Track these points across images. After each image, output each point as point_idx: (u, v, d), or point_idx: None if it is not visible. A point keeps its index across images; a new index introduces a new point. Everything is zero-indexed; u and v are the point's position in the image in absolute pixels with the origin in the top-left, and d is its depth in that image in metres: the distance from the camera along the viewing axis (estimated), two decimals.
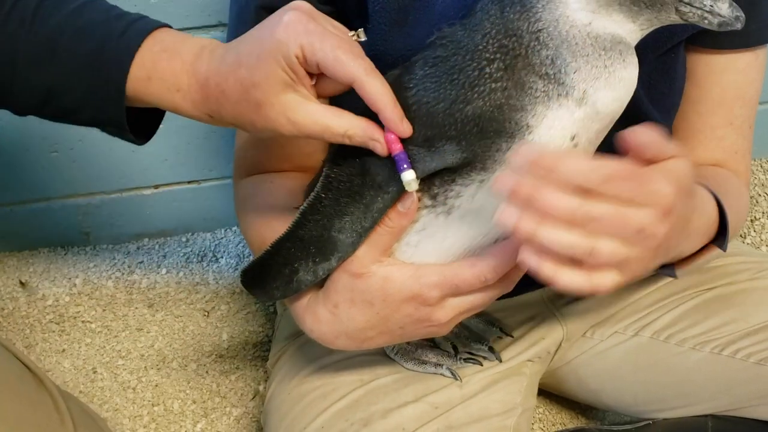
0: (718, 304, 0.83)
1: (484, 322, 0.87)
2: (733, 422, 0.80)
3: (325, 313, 0.66)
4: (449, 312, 0.63)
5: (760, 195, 1.35)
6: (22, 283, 1.17)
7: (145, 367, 1.08)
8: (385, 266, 0.62)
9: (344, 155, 0.62)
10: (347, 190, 0.62)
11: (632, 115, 0.61)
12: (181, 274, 1.21)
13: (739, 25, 0.56)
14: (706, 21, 0.55)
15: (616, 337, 0.88)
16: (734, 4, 0.55)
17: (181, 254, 1.23)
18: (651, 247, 0.51)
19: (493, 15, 0.56)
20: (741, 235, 1.28)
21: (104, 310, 1.15)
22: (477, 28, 0.57)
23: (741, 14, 0.56)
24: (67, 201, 1.17)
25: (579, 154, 0.55)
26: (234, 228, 1.27)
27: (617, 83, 0.54)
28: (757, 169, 1.39)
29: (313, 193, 0.64)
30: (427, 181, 0.58)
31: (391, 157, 0.57)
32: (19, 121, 1.03)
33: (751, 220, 1.30)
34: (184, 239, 1.26)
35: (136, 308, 1.16)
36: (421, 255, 0.62)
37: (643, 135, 0.50)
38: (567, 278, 0.49)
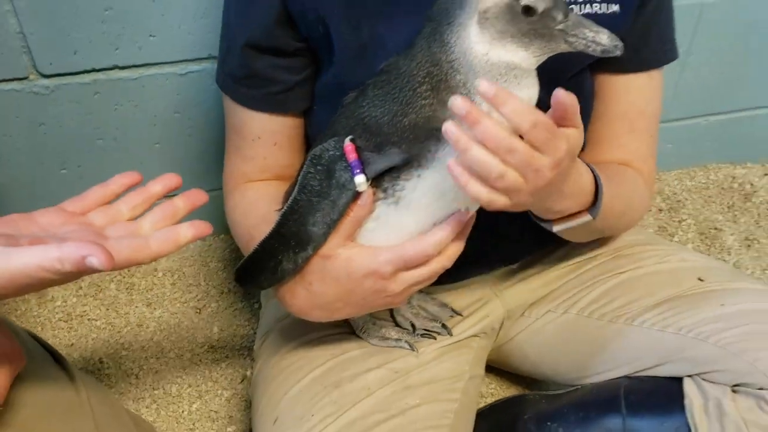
0: (630, 284, 0.98)
1: (439, 305, 1.01)
2: (641, 380, 0.94)
3: (302, 291, 0.80)
4: (401, 284, 0.77)
5: (687, 199, 1.52)
6: None
7: (146, 357, 1.21)
8: (348, 249, 0.76)
9: (315, 163, 0.76)
10: (318, 192, 0.76)
11: None
12: (175, 276, 1.34)
13: (618, 52, 0.68)
14: (590, 49, 0.68)
15: (549, 316, 1.03)
16: (612, 35, 0.68)
17: (175, 259, 1.36)
18: (537, 187, 0.66)
19: (423, 49, 0.71)
20: (670, 234, 1.45)
21: (107, 309, 1.28)
22: (412, 59, 0.72)
23: (619, 43, 0.68)
24: None
25: (523, 101, 0.66)
26: (222, 236, 1.41)
27: None
28: (684, 177, 1.56)
29: (290, 198, 0.78)
30: (379, 179, 0.72)
31: (349, 163, 0.72)
32: (32, 143, 1.17)
33: (679, 221, 1.48)
34: None
35: (136, 307, 1.29)
36: (377, 238, 0.76)
37: (567, 98, 0.66)
38: (475, 188, 0.65)
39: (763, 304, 0.91)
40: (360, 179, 0.72)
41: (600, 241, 1.04)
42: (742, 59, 1.41)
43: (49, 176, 1.24)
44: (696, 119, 1.49)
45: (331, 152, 0.74)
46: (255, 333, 1.25)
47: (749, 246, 1.43)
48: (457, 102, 0.63)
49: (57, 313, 1.27)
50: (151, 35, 1.12)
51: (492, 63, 0.67)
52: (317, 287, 0.79)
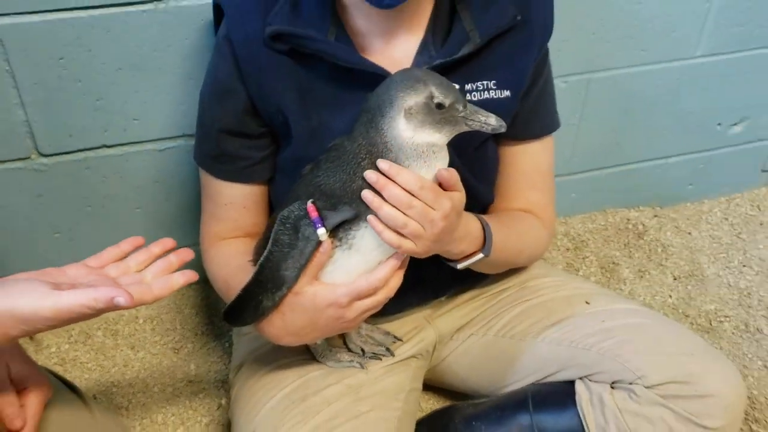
0: (533, 309, 1.22)
1: (383, 333, 1.23)
2: (543, 385, 1.17)
3: (278, 321, 1.00)
4: (355, 311, 0.98)
5: (589, 239, 1.79)
6: (30, 337, 1.48)
7: (133, 392, 1.40)
8: (314, 286, 0.97)
9: (284, 223, 0.97)
10: (288, 244, 0.96)
11: (466, 186, 1.00)
12: (155, 322, 1.54)
13: (502, 130, 0.94)
14: (484, 128, 0.94)
15: (472, 338, 1.26)
16: (498, 118, 0.94)
17: (154, 307, 1.56)
18: (434, 233, 0.92)
19: (362, 133, 0.93)
20: (576, 269, 1.72)
21: (96, 353, 1.47)
22: (353, 140, 0.94)
23: (504, 123, 0.94)
24: None
25: (412, 172, 0.92)
26: (193, 286, 1.61)
27: (432, 169, 0.92)
28: (586, 220, 1.84)
29: (266, 251, 0.98)
30: (335, 231, 0.94)
31: (311, 220, 0.95)
32: (31, 211, 1.37)
33: (583, 258, 1.75)
34: None
35: (122, 350, 1.48)
36: (336, 277, 0.97)
37: (446, 173, 0.92)
38: (388, 235, 0.91)
39: (633, 320, 1.16)
40: (321, 231, 0.94)
41: (509, 276, 1.28)
42: (626, 122, 1.70)
43: (44, 239, 1.43)
44: (593, 172, 1.78)
45: (296, 213, 0.95)
46: (227, 367, 1.45)
47: (642, 277, 1.70)
48: (369, 174, 0.90)
49: (52, 358, 1.45)
50: (134, 119, 1.34)
51: (416, 143, 0.92)
52: (289, 317, 1.00)
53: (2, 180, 1.33)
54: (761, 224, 1.86)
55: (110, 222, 1.45)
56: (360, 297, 0.98)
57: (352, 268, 0.98)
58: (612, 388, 1.11)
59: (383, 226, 0.91)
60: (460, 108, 0.93)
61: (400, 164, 0.92)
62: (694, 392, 1.05)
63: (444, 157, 0.95)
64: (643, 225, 1.83)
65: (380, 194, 0.91)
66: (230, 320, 1.04)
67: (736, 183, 1.94)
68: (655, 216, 1.87)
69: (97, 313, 0.82)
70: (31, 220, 1.40)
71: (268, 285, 0.99)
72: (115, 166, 1.38)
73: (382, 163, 0.90)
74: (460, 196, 0.95)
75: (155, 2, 1.22)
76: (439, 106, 0.91)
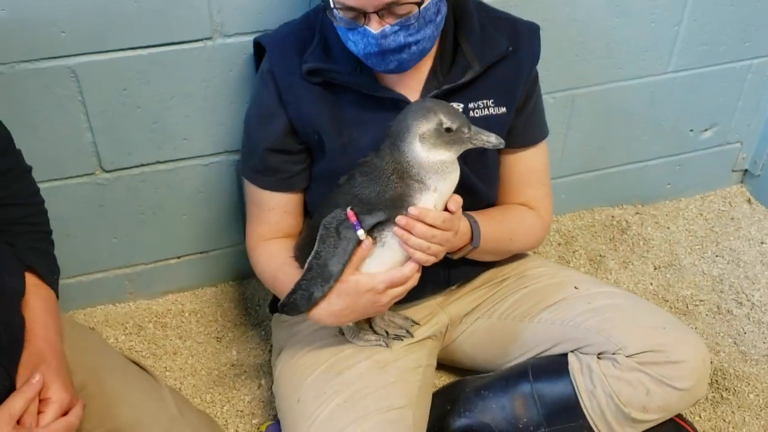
0: (530, 295, 1.43)
1: (403, 318, 1.43)
2: (541, 359, 1.38)
3: (324, 305, 1.20)
4: (388, 296, 1.19)
5: (578, 235, 2.00)
6: (91, 329, 1.68)
7: (184, 375, 1.60)
8: (356, 275, 1.18)
9: (327, 227, 1.16)
10: (333, 244, 1.17)
11: (468, 186, 1.23)
12: (198, 315, 1.74)
13: (501, 146, 1.16)
14: (486, 145, 1.15)
15: (478, 321, 1.47)
16: (498, 137, 1.15)
17: (198, 301, 1.77)
18: (447, 248, 1.15)
19: (388, 153, 1.14)
20: (567, 261, 1.93)
21: (149, 343, 1.67)
22: (382, 158, 1.15)
23: (502, 141, 1.16)
24: (118, 271, 1.72)
25: (435, 211, 1.15)
26: (230, 282, 1.82)
27: (448, 180, 1.14)
28: (575, 218, 2.05)
29: (313, 251, 1.17)
30: (372, 230, 1.15)
31: (352, 224, 1.16)
32: (93, 220, 1.57)
33: (573, 252, 1.96)
34: (197, 291, 1.80)
35: (171, 340, 1.68)
36: (371, 268, 1.18)
37: (454, 207, 1.14)
38: (417, 255, 1.14)
39: (614, 301, 1.38)
40: (360, 232, 1.15)
41: (509, 267, 1.50)
42: (608, 130, 1.91)
43: (103, 244, 1.64)
44: (580, 175, 1.99)
45: (338, 219, 1.16)
46: (264, 352, 1.65)
47: (626, 267, 1.92)
48: (399, 219, 1.13)
49: None
50: (184, 138, 1.55)
51: (432, 161, 1.13)
52: (334, 302, 1.20)
53: (70, 193, 1.53)
54: (732, 219, 2.08)
55: (161, 228, 1.66)
56: (393, 285, 1.19)
57: (385, 260, 1.19)
58: (598, 358, 1.31)
59: (413, 250, 1.15)
60: (466, 130, 1.14)
61: (421, 179, 1.14)
62: (666, 359, 1.27)
63: (456, 170, 1.17)
64: (626, 221, 2.05)
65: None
66: (287, 311, 1.23)
67: (709, 182, 2.16)
68: (637, 213, 2.09)
69: None
70: (92, 227, 1.61)
71: (317, 279, 1.19)
72: (166, 179, 1.59)
73: (412, 209, 1.13)
74: (460, 213, 1.19)
75: (204, 41, 1.43)
76: (448, 129, 1.13)
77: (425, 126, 1.12)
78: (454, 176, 1.16)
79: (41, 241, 1.21)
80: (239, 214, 1.67)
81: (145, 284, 1.75)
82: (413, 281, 1.21)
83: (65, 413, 1.04)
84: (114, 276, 1.71)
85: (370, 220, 1.15)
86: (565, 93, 1.78)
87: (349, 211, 1.15)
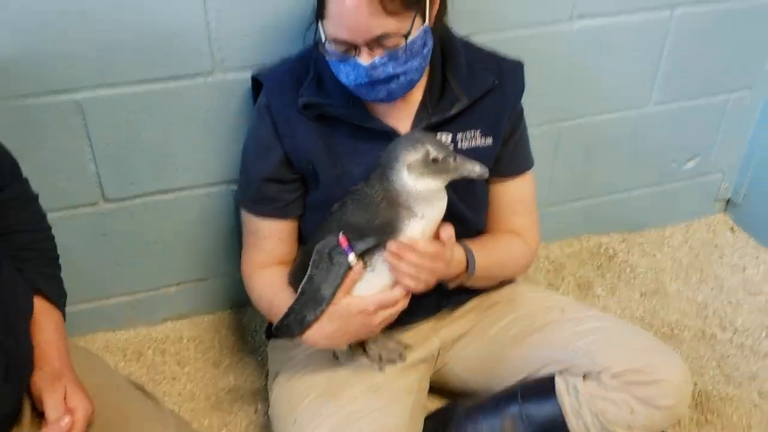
0: (519, 318, 1.47)
1: (396, 341, 1.47)
2: (529, 381, 1.41)
3: (316, 326, 1.25)
4: (378, 318, 1.24)
5: (567, 262, 2.06)
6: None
7: (182, 400, 1.63)
8: (347, 298, 1.23)
9: (320, 252, 1.22)
10: (326, 269, 1.22)
11: (457, 215, 1.29)
12: (197, 341, 1.78)
13: (486, 176, 1.22)
14: (472, 175, 1.21)
15: (470, 345, 1.51)
16: (483, 166, 1.21)
17: (196, 329, 1.81)
18: (437, 277, 1.21)
19: (378, 182, 1.20)
20: (556, 288, 1.98)
21: (148, 369, 1.71)
22: (372, 186, 1.21)
23: (486, 171, 1.21)
24: (119, 298, 1.76)
25: (425, 241, 1.21)
26: (228, 310, 1.87)
27: (435, 207, 1.20)
28: (564, 246, 2.11)
29: (306, 276, 1.23)
30: (362, 255, 1.20)
31: (343, 249, 1.22)
32: (96, 247, 1.62)
33: (562, 278, 2.01)
34: (196, 319, 1.84)
35: (169, 366, 1.72)
36: (361, 291, 1.23)
37: (443, 231, 1.20)
38: (406, 281, 1.18)
39: (599, 324, 1.42)
40: (351, 257, 1.21)
41: (500, 292, 1.54)
42: (593, 161, 1.98)
43: (105, 270, 1.69)
44: (568, 203, 2.05)
45: (330, 245, 1.21)
46: (260, 378, 1.69)
47: (613, 293, 1.97)
48: (390, 245, 1.18)
49: None
50: (184, 168, 1.60)
51: (419, 189, 1.19)
52: (326, 324, 1.25)
53: (74, 222, 1.59)
54: (716, 246, 2.15)
55: (161, 256, 1.71)
56: (383, 307, 1.24)
57: (375, 284, 1.24)
58: (584, 379, 1.36)
59: (403, 276, 1.21)
60: (452, 160, 1.20)
61: (409, 206, 1.19)
62: (649, 379, 1.31)
63: (443, 197, 1.22)
64: (614, 249, 2.11)
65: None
66: (281, 334, 1.28)
67: (693, 211, 2.22)
68: (624, 241, 2.15)
69: None
70: (95, 255, 1.66)
71: (310, 303, 1.24)
72: (166, 208, 1.64)
73: (404, 241, 1.19)
74: (452, 244, 1.26)
75: (205, 76, 1.49)
76: (435, 160, 1.18)
77: (413, 156, 1.18)
78: (441, 204, 1.22)
79: (49, 266, 1.26)
80: (237, 243, 1.72)
81: (145, 311, 1.79)
82: (403, 303, 1.26)
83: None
84: (115, 303, 1.75)
85: (361, 246, 1.20)
86: (551, 125, 1.85)
87: (341, 236, 1.20)
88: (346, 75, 1.23)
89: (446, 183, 1.22)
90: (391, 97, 1.26)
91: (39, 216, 1.28)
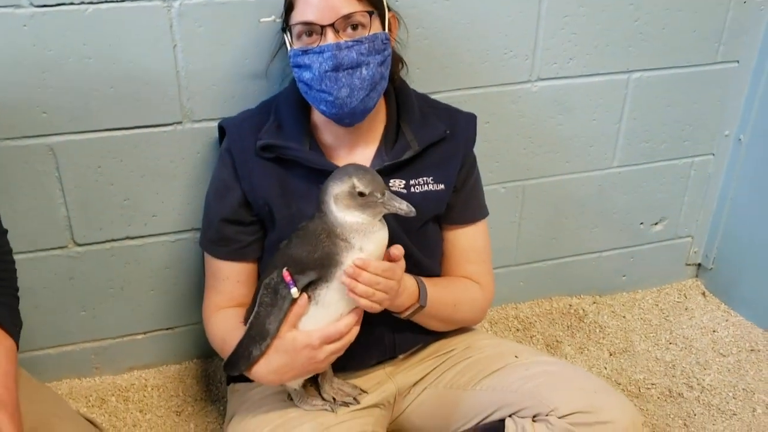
0: (474, 364, 1.48)
1: (351, 386, 1.48)
2: (482, 426, 1.43)
3: (263, 363, 1.27)
4: (325, 352, 1.25)
5: (536, 321, 2.06)
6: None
7: None
8: (292, 332, 1.25)
9: (266, 287, 1.25)
10: (269, 303, 1.26)
11: (412, 259, 1.32)
12: (160, 389, 1.79)
13: (412, 215, 1.22)
14: (399, 212, 1.23)
15: (426, 391, 1.51)
16: (410, 205, 1.22)
17: (161, 377, 1.82)
18: (390, 297, 1.23)
19: (317, 216, 1.24)
20: (518, 340, 1.98)
21: (110, 416, 1.71)
22: (313, 220, 1.25)
23: (413, 210, 1.21)
24: (85, 345, 1.78)
25: (378, 261, 1.23)
26: (194, 360, 1.88)
27: (372, 240, 1.22)
28: (534, 306, 2.12)
29: (254, 311, 1.27)
30: (306, 289, 1.23)
31: (286, 283, 1.25)
32: (62, 292, 1.66)
33: (530, 337, 2.02)
34: (162, 368, 1.85)
35: (132, 413, 1.72)
36: (307, 326, 1.25)
37: (397, 252, 1.24)
38: (362, 302, 1.20)
39: (549, 368, 1.43)
40: (294, 290, 1.24)
41: (455, 339, 1.56)
42: (560, 220, 2.02)
43: (71, 316, 1.72)
44: (537, 263, 2.08)
45: (275, 279, 1.25)
46: (221, 427, 1.69)
47: (582, 352, 1.97)
48: (347, 269, 1.21)
49: None
50: (153, 215, 1.66)
51: (348, 222, 1.23)
52: (273, 359, 1.27)
53: (42, 265, 1.63)
54: (686, 309, 2.15)
55: (128, 302, 1.74)
56: (329, 341, 1.26)
57: (320, 319, 1.27)
58: (533, 420, 1.36)
59: (358, 297, 1.22)
60: (379, 195, 1.23)
61: (346, 237, 1.23)
62: (597, 419, 1.31)
63: (379, 230, 1.25)
64: (584, 310, 2.12)
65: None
66: (228, 369, 1.31)
67: (664, 275, 2.24)
68: (594, 303, 2.16)
69: None
70: (62, 299, 1.69)
71: (256, 338, 1.27)
72: (135, 254, 1.69)
73: (357, 261, 1.21)
74: (402, 263, 1.28)
75: (175, 125, 1.57)
76: (361, 194, 1.22)
77: (338, 188, 1.23)
78: (378, 236, 1.24)
79: (7, 295, 1.29)
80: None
81: (111, 359, 1.81)
82: (350, 337, 1.28)
83: None
84: (81, 350, 1.77)
85: (304, 280, 1.23)
86: (515, 183, 1.91)
87: (284, 271, 1.23)
88: (309, 68, 1.29)
89: (376, 217, 1.25)
90: (352, 99, 1.30)
91: (5, 249, 1.33)
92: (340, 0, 1.26)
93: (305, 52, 1.30)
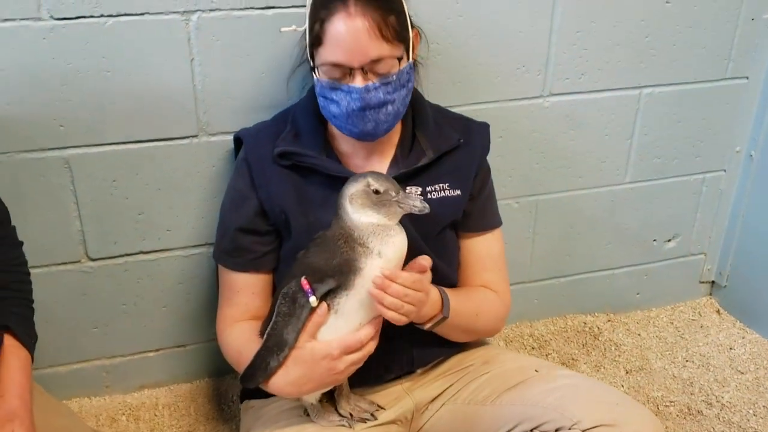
0: (493, 379, 1.46)
1: (368, 402, 1.46)
2: None
3: (281, 372, 1.26)
4: (344, 363, 1.23)
5: (552, 339, 2.05)
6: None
7: None
8: (311, 343, 1.23)
9: (284, 296, 1.24)
10: (287, 313, 1.24)
11: (433, 267, 1.31)
12: (172, 408, 1.76)
13: (426, 211, 1.20)
14: (413, 210, 1.22)
15: (444, 407, 1.49)
16: (424, 202, 1.21)
17: (172, 396, 1.79)
18: (417, 309, 1.21)
19: (335, 223, 1.23)
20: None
21: None
22: (331, 228, 1.24)
23: (427, 207, 1.20)
24: (96, 362, 1.76)
25: (407, 273, 1.22)
26: (205, 379, 1.86)
27: (390, 244, 1.21)
28: (549, 324, 2.10)
29: (271, 321, 1.25)
30: (325, 297, 1.22)
31: (305, 291, 1.24)
32: (75, 307, 1.64)
33: (546, 355, 1.99)
34: (173, 387, 1.83)
35: None
36: (325, 335, 1.23)
37: (425, 263, 1.22)
38: (389, 314, 1.18)
39: (570, 381, 1.41)
40: (312, 299, 1.22)
41: (473, 353, 1.54)
42: (573, 236, 2.01)
43: (84, 332, 1.70)
44: (551, 280, 2.07)
45: (293, 289, 1.23)
46: None
47: (598, 370, 1.95)
48: (375, 279, 1.19)
49: None
50: (167, 230, 1.65)
51: (363, 223, 1.22)
52: (291, 370, 1.25)
53: (55, 279, 1.62)
54: (702, 327, 2.13)
55: (141, 319, 1.72)
56: (349, 351, 1.24)
57: (339, 329, 1.25)
58: None
59: (386, 309, 1.21)
60: (393, 194, 1.22)
61: (363, 242, 1.21)
62: None
63: (397, 234, 1.23)
64: (599, 328, 2.10)
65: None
66: (245, 382, 1.28)
67: (678, 293, 2.23)
68: (609, 321, 2.14)
69: None
70: (74, 315, 1.67)
71: (274, 348, 1.24)
72: (148, 269, 1.67)
73: (386, 272, 1.20)
74: (429, 275, 1.28)
75: (191, 138, 1.57)
76: (376, 192, 1.22)
77: (354, 187, 1.23)
78: (396, 241, 1.23)
79: (23, 306, 1.28)
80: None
81: (122, 377, 1.78)
82: (369, 348, 1.26)
83: None
84: (92, 367, 1.75)
85: (323, 288, 1.21)
86: (529, 198, 1.90)
87: (302, 279, 1.22)
88: (337, 104, 1.29)
89: (392, 219, 1.24)
90: (377, 131, 1.31)
91: (21, 260, 1.32)
92: (369, 42, 1.24)
93: (333, 88, 1.29)
